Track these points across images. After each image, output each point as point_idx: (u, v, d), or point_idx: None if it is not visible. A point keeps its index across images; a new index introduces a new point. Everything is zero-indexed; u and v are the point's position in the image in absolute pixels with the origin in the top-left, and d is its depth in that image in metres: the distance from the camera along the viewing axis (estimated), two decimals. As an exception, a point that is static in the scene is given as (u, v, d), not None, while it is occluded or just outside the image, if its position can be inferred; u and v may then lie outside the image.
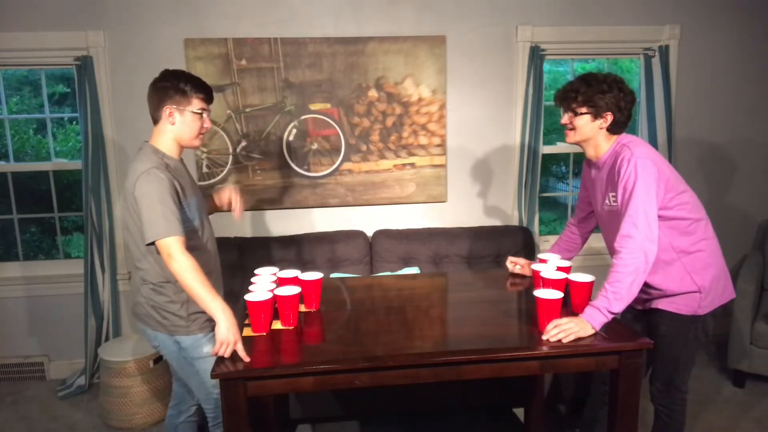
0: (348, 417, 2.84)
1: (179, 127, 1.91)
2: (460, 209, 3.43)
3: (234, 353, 1.67)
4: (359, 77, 3.20)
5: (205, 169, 3.21)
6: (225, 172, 3.22)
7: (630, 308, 2.02)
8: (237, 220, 2.17)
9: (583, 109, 1.94)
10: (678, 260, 1.96)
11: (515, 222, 3.44)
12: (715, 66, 3.47)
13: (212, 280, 1.84)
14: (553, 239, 3.55)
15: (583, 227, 2.35)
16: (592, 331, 1.75)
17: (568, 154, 3.67)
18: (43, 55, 3.05)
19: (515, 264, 2.36)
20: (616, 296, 1.77)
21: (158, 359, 2.89)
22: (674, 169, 1.98)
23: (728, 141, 3.56)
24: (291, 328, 1.87)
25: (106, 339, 3.23)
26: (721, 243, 2.06)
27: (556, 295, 1.77)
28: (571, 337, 1.71)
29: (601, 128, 1.96)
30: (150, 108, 1.92)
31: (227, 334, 1.68)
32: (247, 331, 1.82)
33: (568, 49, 3.36)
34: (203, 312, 1.92)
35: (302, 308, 2.02)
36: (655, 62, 3.37)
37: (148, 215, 1.77)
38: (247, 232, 3.32)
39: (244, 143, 3.20)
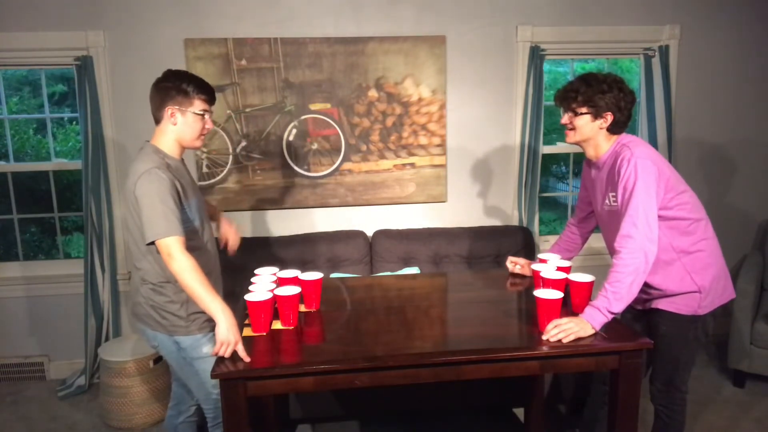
0: (348, 417, 2.84)
1: (181, 127, 1.91)
2: (460, 209, 3.43)
3: (234, 353, 1.67)
4: (359, 77, 3.20)
5: (205, 169, 3.21)
6: (225, 172, 3.22)
7: (630, 308, 2.02)
8: (229, 254, 2.23)
9: (583, 109, 1.94)
10: (678, 260, 1.96)
11: (515, 222, 3.44)
12: (715, 66, 3.47)
13: (212, 281, 1.84)
14: (553, 239, 3.55)
15: (583, 227, 2.35)
16: (592, 331, 1.75)
17: (568, 154, 3.67)
18: (43, 55, 3.05)
19: (515, 264, 2.36)
20: (616, 296, 1.77)
21: (158, 359, 2.89)
22: (674, 169, 1.98)
23: (728, 141, 3.56)
24: (291, 328, 1.87)
25: (106, 339, 3.23)
26: (721, 243, 2.06)
27: (556, 295, 1.77)
28: (571, 337, 1.71)
29: (601, 128, 1.96)
30: (152, 108, 1.92)
31: (227, 335, 1.68)
32: (247, 331, 1.82)
33: (568, 49, 3.36)
34: (203, 312, 1.91)
35: (302, 308, 2.02)
36: (655, 62, 3.37)
37: (148, 215, 1.77)
38: (247, 232, 3.32)
39: (244, 143, 3.20)
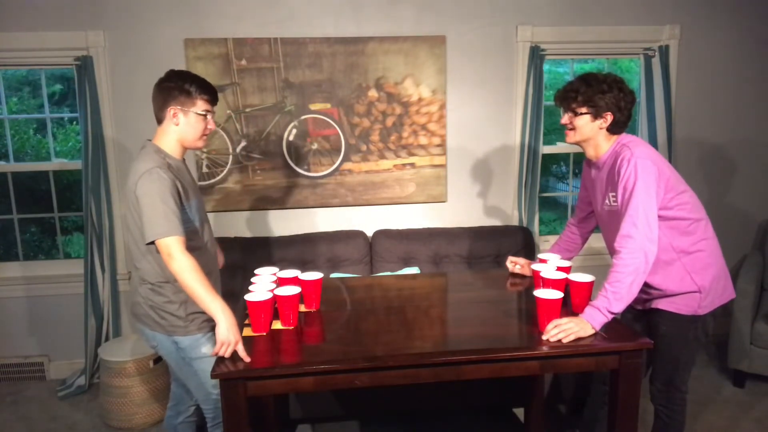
0: (348, 417, 2.84)
1: (183, 128, 1.91)
2: (460, 209, 3.43)
3: (234, 353, 1.67)
4: (359, 77, 3.20)
5: (205, 169, 3.21)
6: (225, 172, 3.22)
7: (630, 308, 2.02)
8: None
9: (583, 109, 1.94)
10: (678, 260, 1.96)
11: (515, 222, 3.44)
12: (715, 66, 3.47)
13: (211, 281, 1.84)
14: (553, 239, 3.55)
15: (583, 227, 2.35)
16: (592, 331, 1.75)
17: (568, 154, 3.67)
18: (43, 55, 3.05)
19: (515, 264, 2.36)
20: (616, 296, 1.77)
21: (158, 359, 2.89)
22: (674, 169, 1.98)
23: (728, 141, 3.56)
24: (291, 328, 1.87)
25: (106, 339, 3.23)
26: (721, 243, 2.06)
27: (556, 295, 1.77)
28: (571, 337, 1.71)
29: (601, 128, 1.96)
30: (154, 108, 1.92)
31: (228, 335, 1.68)
32: (247, 331, 1.82)
33: (568, 49, 3.36)
34: (201, 312, 1.92)
35: (302, 308, 2.02)
36: (655, 62, 3.37)
37: (148, 214, 1.77)
38: (247, 232, 3.32)
39: (244, 143, 3.20)
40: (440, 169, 3.36)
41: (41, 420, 2.94)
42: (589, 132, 1.97)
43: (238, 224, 3.31)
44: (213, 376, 1.60)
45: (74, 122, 4.77)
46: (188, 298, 1.89)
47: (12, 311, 3.30)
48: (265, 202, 3.29)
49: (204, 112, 1.92)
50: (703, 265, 1.97)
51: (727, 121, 3.54)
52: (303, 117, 3.22)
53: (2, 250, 3.75)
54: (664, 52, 3.34)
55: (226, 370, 1.60)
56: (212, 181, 3.22)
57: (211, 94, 1.93)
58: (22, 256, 3.41)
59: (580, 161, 3.49)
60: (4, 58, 3.04)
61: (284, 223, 3.33)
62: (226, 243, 3.07)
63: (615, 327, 1.81)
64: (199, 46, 3.08)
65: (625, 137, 1.98)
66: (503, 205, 3.47)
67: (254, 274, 2.08)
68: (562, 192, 6.07)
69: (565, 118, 2.01)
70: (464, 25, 3.24)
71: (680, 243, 1.95)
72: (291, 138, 3.23)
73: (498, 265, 3.16)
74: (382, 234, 3.20)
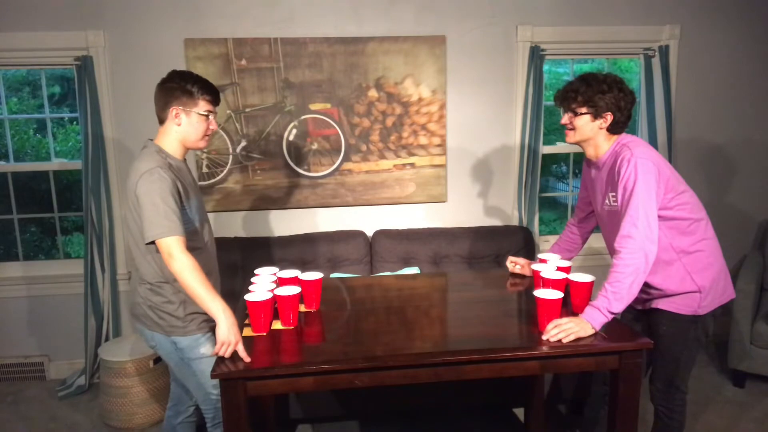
0: (348, 417, 2.84)
1: (185, 128, 1.91)
2: (460, 209, 3.43)
3: (234, 353, 1.67)
4: (359, 77, 3.20)
5: (205, 169, 3.21)
6: (225, 172, 3.22)
7: (630, 308, 2.02)
8: None
9: (583, 109, 1.94)
10: (678, 260, 1.96)
11: (515, 222, 3.44)
12: (715, 66, 3.47)
13: (211, 281, 1.84)
14: (553, 239, 3.55)
15: (583, 227, 2.35)
16: (592, 331, 1.75)
17: (568, 154, 3.67)
18: (43, 55, 3.05)
19: (515, 264, 2.36)
20: (616, 296, 1.77)
21: (158, 359, 2.89)
22: (674, 169, 1.98)
23: (728, 141, 3.56)
24: (291, 328, 1.87)
25: (106, 339, 3.23)
26: (721, 243, 2.06)
27: (556, 295, 1.77)
28: (571, 337, 1.71)
29: (601, 128, 1.96)
30: (156, 108, 1.92)
31: (228, 335, 1.68)
32: (247, 331, 1.82)
33: (568, 49, 3.36)
34: (200, 312, 1.92)
35: (302, 308, 2.02)
36: (655, 62, 3.37)
37: (149, 214, 1.77)
38: (247, 232, 3.32)
39: (244, 143, 3.20)
40: (440, 169, 3.36)
41: (41, 420, 2.94)
42: (589, 132, 1.98)
43: (238, 224, 3.31)
44: (213, 376, 1.60)
45: (74, 122, 4.77)
46: (187, 298, 1.90)
47: (12, 311, 3.30)
48: (265, 202, 3.29)
49: (206, 113, 1.92)
50: (703, 265, 1.97)
51: (727, 121, 3.54)
52: (303, 117, 3.22)
53: (2, 250, 3.75)
54: (664, 52, 3.34)
55: (226, 370, 1.60)
56: (212, 181, 3.22)
57: (213, 94, 1.93)
58: (22, 256, 3.41)
59: (580, 161, 3.49)
60: (4, 58, 3.04)
61: (284, 223, 3.33)
62: (226, 243, 3.07)
63: (615, 327, 1.81)
64: (199, 46, 3.08)
65: (625, 137, 1.98)
66: (503, 205, 3.47)
67: (254, 274, 2.08)
68: (562, 192, 6.07)
69: (565, 118, 2.01)
70: (464, 25, 3.24)
71: (680, 243, 1.95)
72: (291, 138, 3.23)
73: (498, 265, 3.16)
74: (382, 234, 3.20)
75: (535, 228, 3.45)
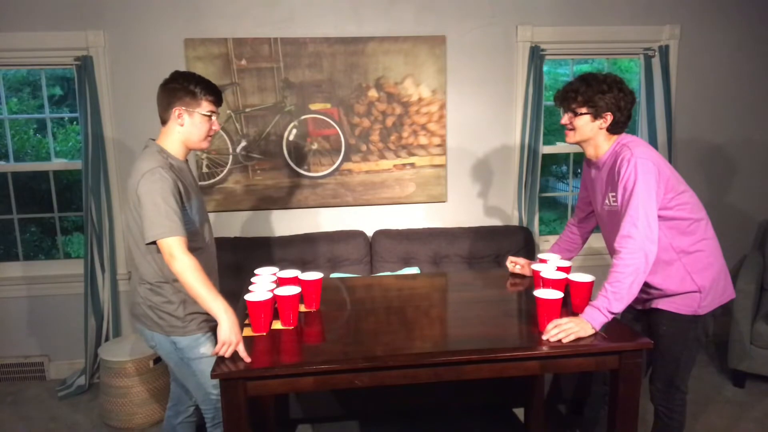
0: (348, 417, 2.84)
1: (188, 128, 1.91)
2: (460, 209, 3.43)
3: (234, 353, 1.67)
4: (359, 77, 3.20)
5: (205, 169, 3.21)
6: (225, 172, 3.22)
7: (630, 308, 2.02)
8: None
9: (583, 110, 1.95)
10: (678, 260, 1.96)
11: (515, 222, 3.44)
12: (715, 66, 3.47)
13: (211, 281, 1.84)
14: (553, 239, 3.55)
15: (583, 227, 2.35)
16: (592, 331, 1.75)
17: (568, 154, 3.67)
18: (43, 55, 3.05)
19: (515, 264, 2.36)
20: (616, 296, 1.77)
21: (158, 359, 2.89)
22: (674, 169, 1.98)
23: (728, 141, 3.56)
24: (291, 328, 1.87)
25: (106, 339, 3.23)
26: (721, 243, 2.06)
27: (556, 295, 1.77)
28: (571, 337, 1.71)
29: (601, 128, 1.96)
30: (159, 109, 1.93)
31: (229, 335, 1.68)
32: (247, 331, 1.82)
33: (568, 49, 3.36)
34: (200, 312, 1.92)
35: (302, 308, 2.02)
36: (655, 62, 3.37)
37: (150, 214, 1.77)
38: (247, 232, 3.32)
39: (244, 143, 3.20)
40: (440, 169, 3.36)
41: (41, 420, 2.94)
42: (589, 132, 1.98)
43: (238, 224, 3.31)
44: (213, 376, 1.60)
45: (74, 122, 4.77)
46: (187, 298, 1.90)
47: (12, 311, 3.30)
48: (265, 202, 3.29)
49: (209, 113, 1.92)
50: (703, 265, 1.97)
51: (727, 121, 3.54)
52: (303, 117, 3.22)
53: (2, 250, 3.75)
54: (664, 52, 3.34)
55: (226, 370, 1.60)
56: (212, 181, 3.22)
57: (215, 95, 1.94)
58: (22, 256, 3.41)
59: (580, 161, 3.49)
60: (4, 58, 3.04)
61: (284, 223, 3.33)
62: (226, 243, 3.08)
63: (615, 327, 1.81)
64: (199, 46, 3.08)
65: (625, 137, 1.98)
66: (503, 205, 3.47)
67: (254, 274, 2.08)
68: (562, 192, 6.07)
69: (565, 119, 2.01)
70: (464, 25, 3.24)
71: (680, 243, 1.95)
72: (291, 138, 3.23)
73: (498, 265, 3.16)
74: (382, 234, 3.20)
75: (535, 228, 3.45)
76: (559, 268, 2.04)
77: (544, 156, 3.44)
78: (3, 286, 3.27)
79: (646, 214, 1.81)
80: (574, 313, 1.86)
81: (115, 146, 3.15)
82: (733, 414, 2.86)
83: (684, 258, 1.95)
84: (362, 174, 3.31)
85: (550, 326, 1.74)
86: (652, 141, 3.40)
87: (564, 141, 2.12)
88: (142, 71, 3.08)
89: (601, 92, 1.91)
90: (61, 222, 3.49)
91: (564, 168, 6.14)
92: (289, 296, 1.84)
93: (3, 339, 3.33)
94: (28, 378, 3.35)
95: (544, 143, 3.42)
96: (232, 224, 3.30)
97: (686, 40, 3.40)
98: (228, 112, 3.16)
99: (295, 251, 3.11)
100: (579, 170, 3.61)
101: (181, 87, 1.88)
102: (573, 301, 1.91)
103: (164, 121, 1.93)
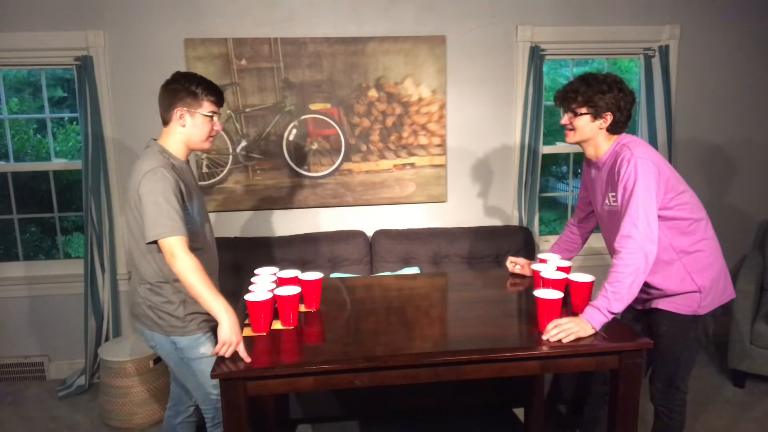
0: (348, 417, 2.84)
1: (189, 129, 1.91)
2: (460, 209, 3.43)
3: (234, 353, 1.67)
4: (359, 77, 3.20)
5: (205, 169, 3.21)
6: (225, 172, 3.22)
7: (630, 308, 2.02)
8: None
9: (583, 110, 1.95)
10: (678, 260, 1.96)
11: (515, 222, 3.44)
12: (715, 66, 3.47)
13: (212, 281, 1.84)
14: (553, 239, 3.55)
15: (583, 227, 2.35)
16: (592, 331, 1.75)
17: (568, 154, 3.67)
18: (43, 55, 3.05)
19: (515, 264, 2.36)
20: (616, 296, 1.77)
21: (158, 359, 2.89)
22: (674, 169, 1.98)
23: (728, 141, 3.56)
24: (291, 328, 1.87)
25: (106, 339, 3.23)
26: (721, 243, 2.06)
27: (556, 295, 1.77)
28: (571, 337, 1.71)
29: (600, 128, 1.96)
30: (161, 110, 1.93)
31: (230, 335, 1.68)
32: (247, 331, 1.82)
33: (568, 49, 3.36)
34: (200, 312, 1.92)
35: (302, 308, 2.03)
36: (655, 62, 3.37)
37: (151, 213, 1.77)
38: (247, 232, 3.32)
39: (244, 143, 3.20)
40: (440, 169, 3.36)
41: (41, 420, 2.94)
42: (589, 132, 1.98)
43: (238, 224, 3.31)
44: (213, 376, 1.60)
45: (74, 122, 4.77)
46: (187, 298, 1.90)
47: (12, 311, 3.30)
48: (265, 202, 3.29)
49: (210, 114, 1.92)
50: (703, 265, 1.97)
51: (727, 121, 3.54)
52: (303, 117, 3.22)
53: (2, 250, 3.75)
54: (664, 52, 3.34)
55: (226, 370, 1.60)
56: (212, 181, 3.22)
57: (217, 95, 1.94)
58: (22, 256, 3.41)
59: (580, 161, 3.49)
60: (4, 58, 3.04)
61: (284, 223, 3.33)
62: (226, 243, 3.07)
63: (615, 327, 1.81)
64: (199, 46, 3.08)
65: (625, 137, 1.98)
66: (503, 205, 3.47)
67: (254, 274, 2.08)
68: (562, 192, 6.07)
69: (565, 119, 2.01)
70: (464, 25, 3.24)
71: (680, 243, 1.95)
72: (291, 138, 3.23)
73: (498, 265, 3.16)
74: (382, 234, 3.20)
75: (535, 228, 3.45)
76: (559, 268, 2.04)
77: (544, 156, 3.44)
78: (3, 286, 3.27)
79: (646, 214, 1.81)
80: (574, 313, 1.86)
81: (115, 146, 3.15)
82: (733, 414, 2.86)
83: (684, 258, 1.95)
84: (362, 174, 3.31)
85: (550, 326, 1.74)
86: (652, 141, 3.40)
87: (564, 141, 2.12)
88: (142, 71, 3.08)
89: (601, 92, 1.91)
90: (61, 222, 3.49)
91: (564, 168, 6.14)
92: (289, 296, 1.84)
93: (3, 339, 3.33)
94: (28, 378, 3.35)
95: (544, 143, 3.42)
96: (232, 224, 3.30)
97: (686, 40, 3.40)
98: (228, 112, 3.16)
99: (295, 251, 3.11)
100: (579, 170, 3.61)
101: (183, 87, 1.88)
102: (573, 301, 1.91)
103: (166, 122, 1.93)
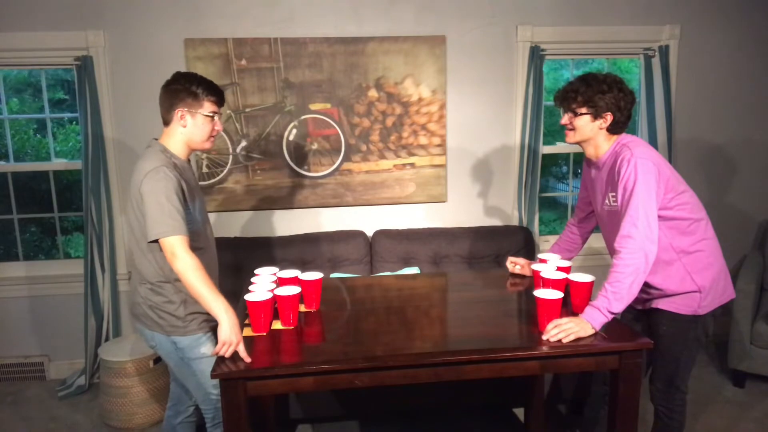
0: (348, 417, 2.84)
1: (191, 129, 1.91)
2: (460, 209, 3.43)
3: (235, 353, 1.67)
4: (359, 77, 3.20)
5: (205, 169, 3.21)
6: (225, 172, 3.22)
7: (630, 308, 2.02)
8: None
9: (583, 110, 1.95)
10: (678, 260, 1.96)
11: (515, 222, 3.44)
12: (715, 66, 3.47)
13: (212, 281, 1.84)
14: (553, 239, 3.55)
15: (583, 227, 2.35)
16: (592, 331, 1.75)
17: (568, 154, 3.67)
18: (43, 55, 3.05)
19: (515, 264, 2.36)
20: (616, 296, 1.77)
21: (158, 359, 2.89)
22: (674, 169, 1.98)
23: (728, 141, 3.56)
24: (291, 328, 1.87)
25: (106, 339, 3.23)
26: (721, 243, 2.06)
27: (556, 295, 1.77)
28: (571, 337, 1.71)
29: (601, 128, 1.96)
30: (162, 110, 1.93)
31: (230, 335, 1.68)
32: (247, 331, 1.82)
33: (568, 49, 3.36)
34: (201, 312, 1.92)
35: (302, 308, 2.03)
36: (655, 62, 3.37)
37: (153, 212, 1.77)
38: (247, 232, 3.32)
39: (244, 143, 3.20)
40: (440, 169, 3.36)
41: (41, 420, 2.94)
42: (589, 132, 1.98)
43: (238, 224, 3.31)
44: (213, 376, 1.60)
45: (74, 122, 4.77)
46: (188, 298, 1.90)
47: (12, 311, 3.30)
48: (265, 202, 3.29)
49: (211, 114, 1.92)
50: (703, 265, 1.97)
51: (727, 121, 3.54)
52: (303, 117, 3.22)
53: (2, 250, 3.75)
54: (664, 52, 3.34)
55: (226, 370, 1.60)
56: (212, 181, 3.22)
57: (217, 95, 1.94)
58: (23, 256, 3.41)
59: (580, 161, 3.49)
60: (4, 59, 3.04)
61: (284, 223, 3.33)
62: (226, 243, 3.07)
63: (615, 327, 1.81)
64: (199, 46, 3.08)
65: (625, 137, 1.98)
66: (503, 205, 3.47)
67: (254, 274, 2.08)
68: (562, 192, 6.07)
69: (565, 119, 2.01)
70: (464, 25, 3.24)
71: (680, 243, 1.95)
72: (291, 138, 3.23)
73: (498, 265, 3.16)
74: (382, 234, 3.20)
75: (535, 228, 3.45)
76: (559, 268, 2.04)
77: (544, 156, 3.44)
78: (3, 286, 3.27)
79: (646, 214, 1.81)
80: (574, 313, 1.86)
81: (115, 146, 3.15)
82: (733, 414, 2.86)
83: (684, 258, 1.95)
84: (362, 174, 3.31)
85: (550, 326, 1.74)
86: (652, 141, 3.40)
87: (564, 141, 2.12)
88: (142, 71, 3.08)
89: (601, 92, 1.91)
90: (61, 222, 3.49)
91: (564, 168, 6.14)
92: (289, 296, 1.84)
93: (3, 339, 3.33)
94: (28, 378, 3.35)
95: (544, 143, 3.42)
96: (232, 224, 3.30)
97: (686, 40, 3.40)
98: (228, 112, 3.16)
99: (295, 251, 3.11)
100: (579, 170, 3.61)
101: (183, 88, 1.88)
102: (573, 301, 1.91)
103: (167, 122, 1.93)
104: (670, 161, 3.31)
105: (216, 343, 1.73)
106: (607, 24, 3.33)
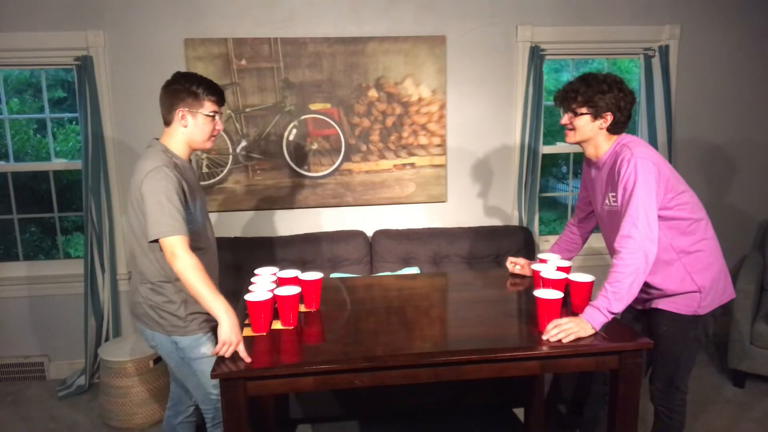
0: (348, 417, 2.84)
1: (191, 129, 1.91)
2: (460, 209, 3.43)
3: (235, 353, 1.67)
4: (359, 77, 3.20)
5: (205, 169, 3.21)
6: (225, 172, 3.22)
7: (630, 308, 2.02)
8: None
9: (583, 110, 1.95)
10: (678, 260, 1.96)
11: (515, 222, 3.44)
12: (715, 66, 3.47)
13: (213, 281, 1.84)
14: (553, 239, 3.55)
15: (583, 227, 2.35)
16: (592, 331, 1.75)
17: (568, 154, 3.67)
18: (43, 55, 3.05)
19: (515, 264, 2.36)
20: (616, 296, 1.77)
21: (158, 359, 2.89)
22: (674, 169, 1.98)
23: (728, 141, 3.56)
24: (291, 328, 1.87)
25: (106, 339, 3.23)
26: (721, 243, 2.06)
27: (556, 295, 1.77)
28: (571, 337, 1.71)
29: (601, 128, 1.96)
30: (162, 110, 1.93)
31: (230, 335, 1.68)
32: (247, 331, 1.82)
33: (568, 49, 3.36)
34: (201, 312, 1.92)
35: (302, 308, 2.03)
36: (655, 62, 3.37)
37: (154, 212, 1.77)
38: (247, 232, 3.32)
39: (244, 143, 3.20)
40: (440, 169, 3.36)
41: (41, 420, 2.94)
42: (589, 132, 1.98)
43: (238, 224, 3.31)
44: (213, 376, 1.60)
45: (74, 122, 4.77)
46: (188, 298, 1.90)
47: (12, 311, 3.30)
48: (266, 202, 3.29)
49: (212, 113, 1.92)
50: (703, 265, 1.97)
51: (727, 121, 3.54)
52: (303, 117, 3.22)
53: (2, 250, 3.75)
54: (664, 52, 3.34)
55: (226, 370, 1.60)
56: (212, 181, 3.22)
57: (218, 95, 1.94)
58: (22, 256, 3.41)
59: (580, 161, 3.49)
60: (5, 59, 3.04)
61: (284, 223, 3.33)
62: (226, 243, 3.07)
63: (615, 327, 1.81)
64: (199, 46, 3.08)
65: (625, 137, 1.98)
66: (503, 205, 3.47)
67: (254, 274, 2.08)
68: (562, 192, 6.07)
69: (565, 119, 2.01)
70: (464, 25, 3.24)
71: (680, 243, 1.95)
72: (291, 138, 3.23)
73: (498, 265, 3.16)
74: (382, 234, 3.20)
75: (535, 228, 3.45)
76: (559, 268, 2.04)
77: (544, 156, 3.44)
78: (3, 286, 3.27)
79: (646, 214, 1.81)
80: (574, 313, 1.86)
81: (115, 146, 3.15)
82: (733, 414, 2.86)
83: (684, 258, 1.95)
84: (362, 174, 3.31)
85: (550, 326, 1.74)
86: (652, 141, 3.40)
87: (564, 141, 2.12)
88: (142, 71, 3.08)
89: (601, 92, 1.91)
90: (61, 222, 3.49)
91: (564, 168, 6.14)
92: (289, 296, 1.84)
93: (3, 339, 3.33)
94: (28, 378, 3.35)
95: (544, 143, 3.42)
96: (232, 224, 3.30)
97: (686, 40, 3.40)
98: (228, 112, 3.16)
99: (295, 251, 3.11)
100: (579, 170, 3.61)
101: (184, 88, 1.88)
102: (573, 301, 1.91)
103: (168, 123, 1.93)
104: (670, 161, 3.31)
105: (216, 343, 1.73)
106: (607, 24, 3.33)
